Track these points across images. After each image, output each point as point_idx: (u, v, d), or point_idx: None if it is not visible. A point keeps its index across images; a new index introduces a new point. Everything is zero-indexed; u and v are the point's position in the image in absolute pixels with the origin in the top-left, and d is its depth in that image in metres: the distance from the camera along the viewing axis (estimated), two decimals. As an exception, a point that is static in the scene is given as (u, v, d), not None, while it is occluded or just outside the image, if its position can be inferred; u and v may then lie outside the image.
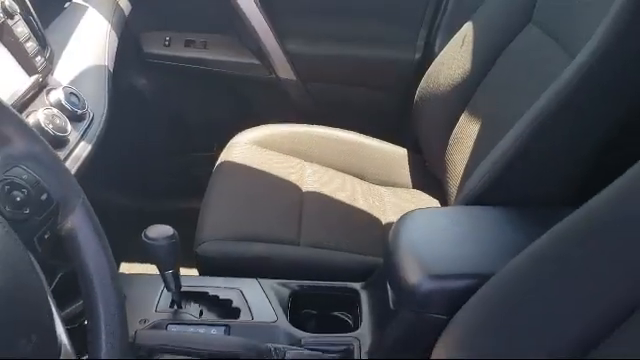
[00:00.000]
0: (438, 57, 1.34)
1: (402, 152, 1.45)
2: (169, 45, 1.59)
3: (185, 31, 1.61)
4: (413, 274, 0.78)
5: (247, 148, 1.35)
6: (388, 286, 0.90)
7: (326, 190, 1.26)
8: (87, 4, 1.28)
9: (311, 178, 1.30)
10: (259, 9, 1.48)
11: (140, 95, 1.62)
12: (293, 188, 1.25)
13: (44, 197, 0.57)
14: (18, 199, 0.54)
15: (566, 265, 0.59)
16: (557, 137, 0.85)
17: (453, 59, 1.28)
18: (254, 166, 1.29)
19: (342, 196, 1.25)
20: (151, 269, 0.94)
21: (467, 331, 0.69)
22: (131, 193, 1.52)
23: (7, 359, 0.46)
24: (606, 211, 0.58)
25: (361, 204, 1.24)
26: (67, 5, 1.26)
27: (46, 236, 0.56)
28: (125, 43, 1.35)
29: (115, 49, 1.25)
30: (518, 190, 0.90)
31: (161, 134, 1.64)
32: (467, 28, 1.29)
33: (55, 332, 0.52)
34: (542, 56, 1.07)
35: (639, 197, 0.55)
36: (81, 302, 0.65)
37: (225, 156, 1.33)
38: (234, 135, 1.40)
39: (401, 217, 0.88)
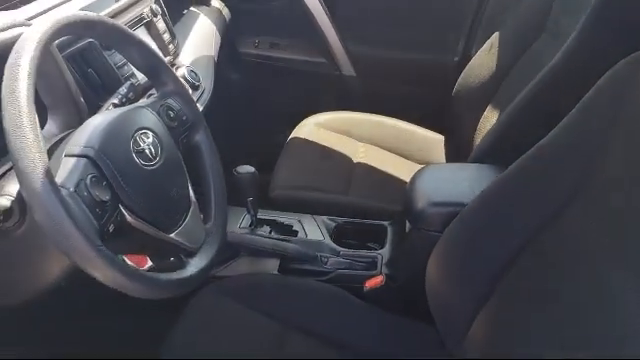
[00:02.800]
0: (471, 60, 1.64)
1: (439, 138, 1.75)
2: (258, 46, 2.00)
3: (270, 35, 2.00)
4: (420, 202, 1.09)
5: (313, 129, 1.70)
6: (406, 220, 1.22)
7: (372, 162, 1.59)
8: (199, 12, 1.69)
9: (361, 153, 1.63)
10: (328, 19, 1.85)
11: (233, 84, 2.01)
12: (346, 159, 1.59)
13: (184, 118, 0.94)
14: (171, 115, 0.92)
15: (496, 201, 0.89)
16: (533, 113, 1.15)
17: (482, 62, 1.57)
18: (317, 142, 1.64)
19: (384, 166, 1.57)
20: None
21: (446, 242, 0.99)
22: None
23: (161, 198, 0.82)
24: (523, 164, 0.87)
25: (397, 172, 1.55)
26: (185, 12, 1.67)
27: (185, 140, 0.94)
28: (224, 43, 1.74)
29: (218, 47, 1.65)
30: (504, 153, 1.18)
31: (246, 116, 2.01)
32: (494, 37, 1.57)
33: (189, 191, 0.89)
34: (548, 59, 1.35)
35: (547, 155, 0.83)
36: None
37: (295, 133, 1.69)
38: (303, 119, 1.75)
39: (418, 170, 1.20)
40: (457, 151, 1.69)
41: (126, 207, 0.75)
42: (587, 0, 1.08)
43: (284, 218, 1.36)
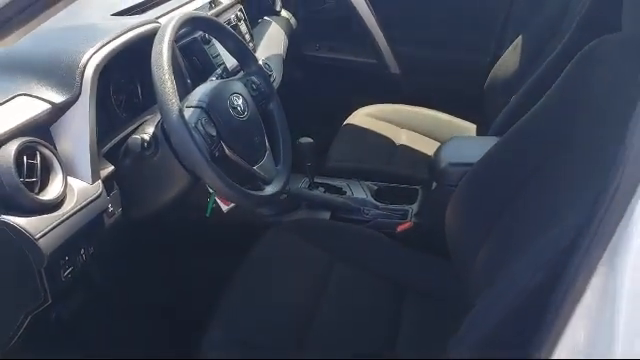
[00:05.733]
0: (500, 59, 1.92)
1: (472, 126, 2.02)
2: (319, 49, 2.36)
3: (329, 40, 2.36)
4: (442, 163, 1.40)
5: (363, 118, 2.03)
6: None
7: (411, 144, 1.90)
8: (271, 20, 2.06)
9: (403, 137, 1.94)
10: (379, 27, 2.19)
11: (297, 81, 2.35)
12: (390, 141, 1.91)
13: (262, 90, 1.29)
14: (253, 87, 1.27)
15: (494, 160, 1.16)
16: (535, 97, 1.42)
17: (507, 61, 1.86)
18: (366, 128, 1.97)
19: (421, 147, 1.88)
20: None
21: (459, 193, 1.27)
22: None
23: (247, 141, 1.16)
24: (514, 134, 1.15)
25: (432, 152, 1.84)
26: (260, 20, 2.04)
27: (263, 106, 1.29)
28: (291, 46, 2.10)
29: (286, 49, 2.01)
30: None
31: (307, 107, 2.31)
32: (518, 39, 1.86)
33: (265, 140, 1.23)
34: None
35: (538, 119, 1.12)
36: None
37: (348, 121, 2.02)
38: (355, 110, 2.08)
39: (444, 141, 1.51)
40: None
41: (225, 142, 1.10)
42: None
43: (336, 182, 1.68)
